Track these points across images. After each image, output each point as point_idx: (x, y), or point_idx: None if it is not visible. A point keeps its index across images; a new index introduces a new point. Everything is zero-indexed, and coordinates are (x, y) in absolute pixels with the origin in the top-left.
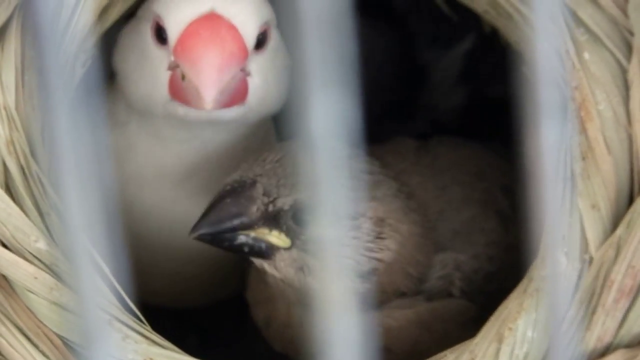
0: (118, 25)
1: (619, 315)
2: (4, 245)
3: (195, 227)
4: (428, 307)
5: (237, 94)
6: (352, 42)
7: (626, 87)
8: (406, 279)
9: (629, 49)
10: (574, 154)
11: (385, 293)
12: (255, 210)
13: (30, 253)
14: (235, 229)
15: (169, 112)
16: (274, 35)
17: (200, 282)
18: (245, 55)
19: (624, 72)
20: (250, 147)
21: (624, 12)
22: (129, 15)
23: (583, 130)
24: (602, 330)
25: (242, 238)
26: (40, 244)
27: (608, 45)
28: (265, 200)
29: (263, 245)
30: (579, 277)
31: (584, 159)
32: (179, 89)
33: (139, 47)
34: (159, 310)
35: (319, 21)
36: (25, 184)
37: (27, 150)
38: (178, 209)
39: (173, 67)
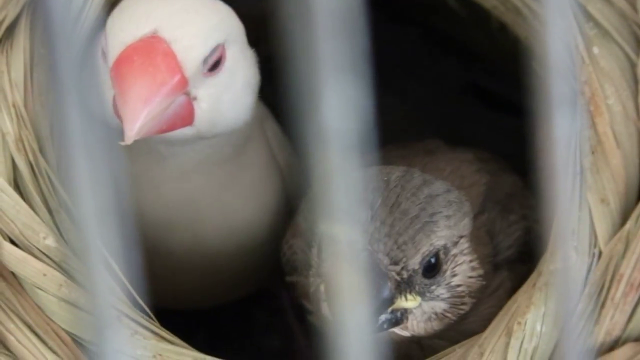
0: None
1: (627, 309)
2: (13, 243)
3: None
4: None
5: (179, 119)
6: (365, 32)
7: (635, 82)
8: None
9: (638, 43)
10: (583, 149)
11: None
12: (390, 284)
13: (39, 250)
14: (378, 313)
15: (118, 126)
16: (233, 53)
17: (209, 282)
18: (182, 84)
19: (633, 66)
20: (237, 147)
21: (634, 6)
22: None
23: (592, 125)
24: (611, 324)
25: (382, 318)
26: (49, 241)
27: (617, 39)
28: (397, 269)
29: (399, 314)
30: (588, 271)
31: (593, 153)
32: (118, 111)
33: (96, 54)
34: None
35: (331, 12)
36: (34, 181)
37: (36, 148)
38: (178, 207)
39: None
